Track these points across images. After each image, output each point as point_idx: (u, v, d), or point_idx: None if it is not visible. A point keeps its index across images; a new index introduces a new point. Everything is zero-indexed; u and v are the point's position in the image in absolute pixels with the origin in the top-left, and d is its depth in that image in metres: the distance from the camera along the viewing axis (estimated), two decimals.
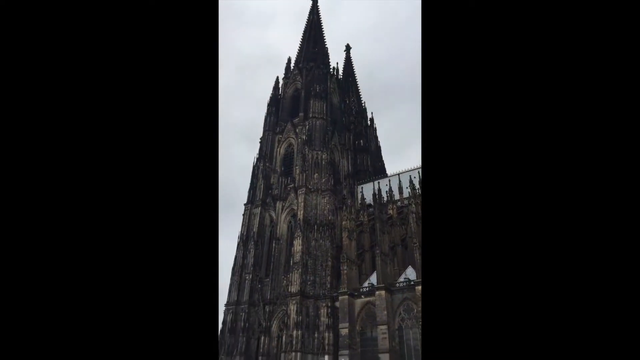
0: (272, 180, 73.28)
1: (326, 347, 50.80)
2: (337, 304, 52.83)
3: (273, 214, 68.77)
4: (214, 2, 1.24)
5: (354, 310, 51.89)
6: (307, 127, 71.84)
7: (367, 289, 52.80)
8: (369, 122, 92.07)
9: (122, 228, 0.93)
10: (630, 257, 0.86)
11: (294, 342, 51.06)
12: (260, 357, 54.80)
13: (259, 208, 69.74)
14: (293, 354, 50.36)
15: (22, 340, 0.84)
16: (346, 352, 48.66)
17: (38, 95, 0.77)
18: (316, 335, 52.13)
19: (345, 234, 58.90)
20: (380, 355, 45.61)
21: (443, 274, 1.38)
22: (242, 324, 58.39)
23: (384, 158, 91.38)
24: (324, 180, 66.13)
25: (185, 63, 1.03)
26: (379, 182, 66.38)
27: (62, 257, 0.90)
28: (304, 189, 64.43)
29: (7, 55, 0.76)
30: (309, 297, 55.00)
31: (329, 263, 58.06)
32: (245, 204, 73.14)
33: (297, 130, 74.54)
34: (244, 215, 71.83)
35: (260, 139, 80.00)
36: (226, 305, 62.56)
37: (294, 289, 55.38)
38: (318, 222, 61.55)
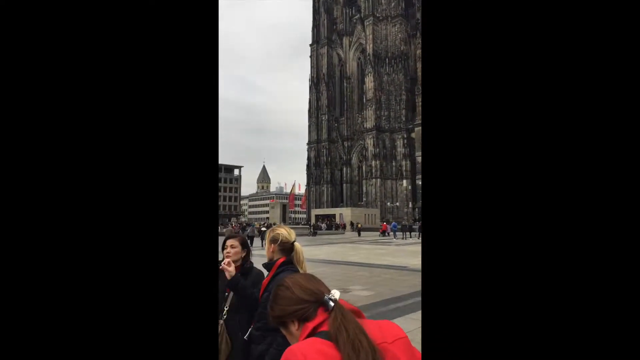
0: (335, 13, 67.02)
1: (404, 173, 55.79)
2: (413, 135, 54.75)
3: (341, 52, 65.85)
4: None
5: None
6: None
7: None
8: None
9: (115, 218, 0.96)
10: (631, 257, 0.85)
11: (373, 171, 56.73)
12: (344, 184, 62.97)
13: (326, 47, 66.82)
14: (373, 180, 56.69)
15: (20, 340, 0.82)
16: None
17: (36, 95, 0.83)
18: (394, 163, 56.70)
19: (420, 64, 55.50)
20: None
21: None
22: (325, 158, 65.20)
23: None
24: (392, 5, 58.49)
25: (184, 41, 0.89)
26: None
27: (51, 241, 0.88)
28: (372, 19, 58.48)
29: (6, 55, 0.82)
30: (384, 131, 57.42)
31: (403, 97, 57.30)
32: (310, 45, 70.35)
33: None
34: (311, 57, 70.11)
35: None
36: (308, 144, 68.91)
37: (369, 124, 57.71)
38: (389, 54, 57.91)
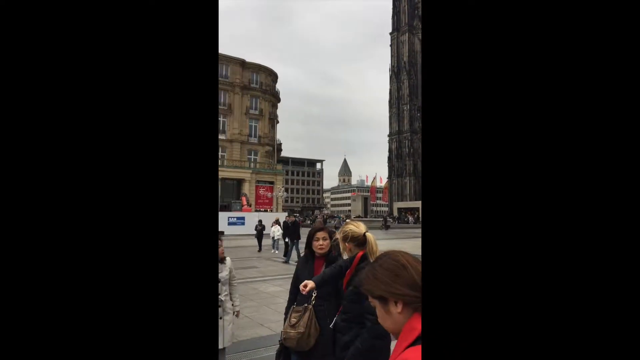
0: None
1: None
2: None
3: None
4: None
5: None
6: None
7: None
8: None
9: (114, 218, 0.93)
10: (631, 257, 0.66)
11: None
12: None
13: (407, 34, 64.29)
14: None
15: (20, 341, 0.81)
16: None
17: (36, 95, 0.81)
18: None
19: None
20: None
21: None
22: (407, 150, 63.15)
23: None
24: None
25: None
26: None
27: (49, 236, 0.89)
28: None
29: (6, 55, 0.82)
30: None
31: None
32: (390, 33, 68.38)
33: None
34: (391, 45, 68.14)
35: None
36: (389, 135, 67.44)
37: None
38: None
